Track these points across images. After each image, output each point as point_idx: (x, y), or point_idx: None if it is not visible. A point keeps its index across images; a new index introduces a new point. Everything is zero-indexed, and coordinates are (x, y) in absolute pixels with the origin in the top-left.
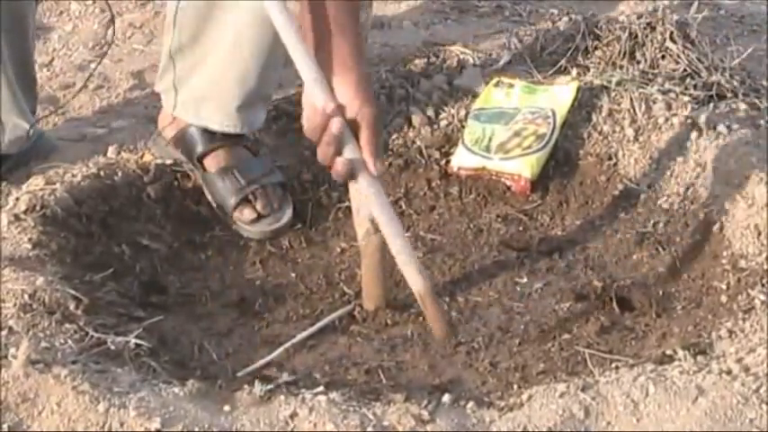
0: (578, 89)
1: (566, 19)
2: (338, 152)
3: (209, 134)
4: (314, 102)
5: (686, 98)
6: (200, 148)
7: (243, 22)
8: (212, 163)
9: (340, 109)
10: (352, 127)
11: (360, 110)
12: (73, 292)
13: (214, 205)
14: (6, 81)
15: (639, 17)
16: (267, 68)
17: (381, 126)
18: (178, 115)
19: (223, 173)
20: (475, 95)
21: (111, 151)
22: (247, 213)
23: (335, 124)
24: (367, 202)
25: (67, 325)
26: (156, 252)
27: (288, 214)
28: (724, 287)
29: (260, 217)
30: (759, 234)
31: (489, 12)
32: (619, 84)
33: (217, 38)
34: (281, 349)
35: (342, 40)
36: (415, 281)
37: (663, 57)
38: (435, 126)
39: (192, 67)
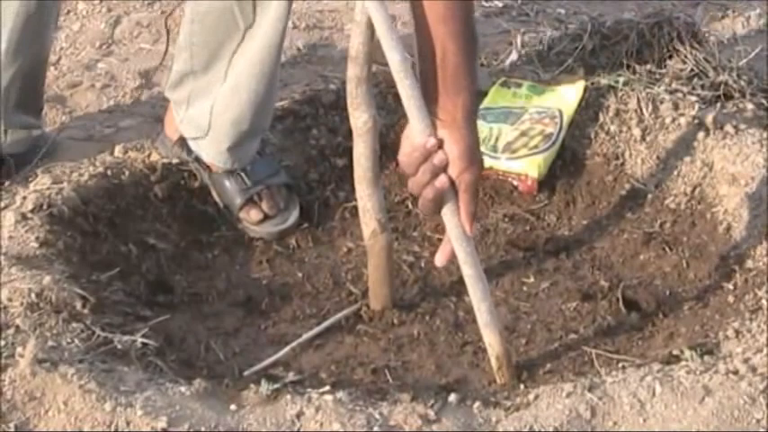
0: (585, 89)
1: (573, 19)
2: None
3: None
4: (414, 137)
5: (693, 98)
6: None
7: (244, 71)
8: None
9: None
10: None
11: (463, 173)
12: (80, 291)
13: (221, 205)
14: (14, 82)
15: (647, 17)
16: (261, 112)
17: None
18: (182, 130)
19: (229, 173)
20: (482, 95)
21: (118, 150)
22: (254, 214)
23: (439, 156)
24: (459, 259)
25: (74, 324)
26: (162, 251)
27: (294, 215)
28: (731, 287)
29: (266, 218)
30: (766, 234)
31: (496, 11)
32: (626, 84)
33: (220, 77)
34: (287, 348)
35: (458, 95)
36: (494, 344)
37: (670, 56)
38: None
39: (198, 92)
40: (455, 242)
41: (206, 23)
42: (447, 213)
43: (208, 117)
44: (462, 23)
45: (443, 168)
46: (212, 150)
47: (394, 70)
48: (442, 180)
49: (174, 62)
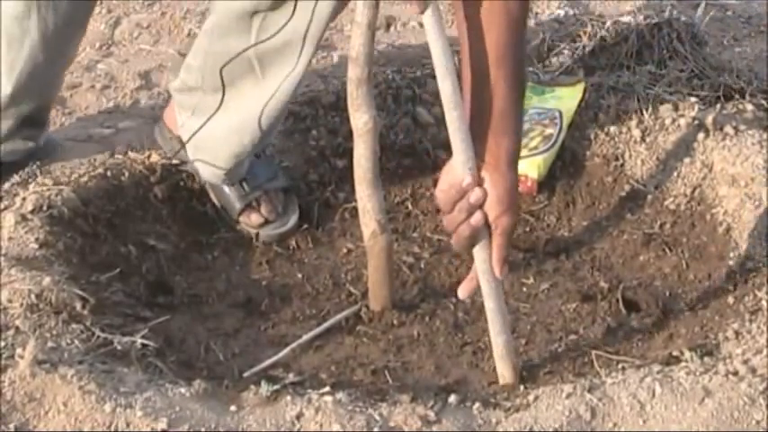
0: (585, 90)
1: (573, 20)
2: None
3: None
4: (455, 172)
5: (693, 99)
6: None
7: (253, 112)
8: None
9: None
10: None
11: (500, 217)
12: (79, 292)
13: (220, 207)
14: (16, 119)
15: (647, 18)
16: (261, 143)
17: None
18: (181, 135)
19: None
20: None
21: (117, 151)
22: (254, 218)
23: (475, 194)
24: (483, 292)
25: (74, 325)
26: (162, 252)
27: (293, 219)
28: (731, 288)
29: (266, 222)
30: (766, 235)
31: None
32: (626, 85)
33: (227, 106)
34: (287, 349)
35: (503, 137)
36: (507, 377)
37: (670, 57)
38: (442, 126)
39: (204, 108)
40: (481, 276)
41: (219, 61)
42: (478, 249)
43: (208, 143)
44: (517, 67)
45: (479, 206)
46: (208, 171)
47: (444, 99)
48: (477, 218)
49: (183, 70)
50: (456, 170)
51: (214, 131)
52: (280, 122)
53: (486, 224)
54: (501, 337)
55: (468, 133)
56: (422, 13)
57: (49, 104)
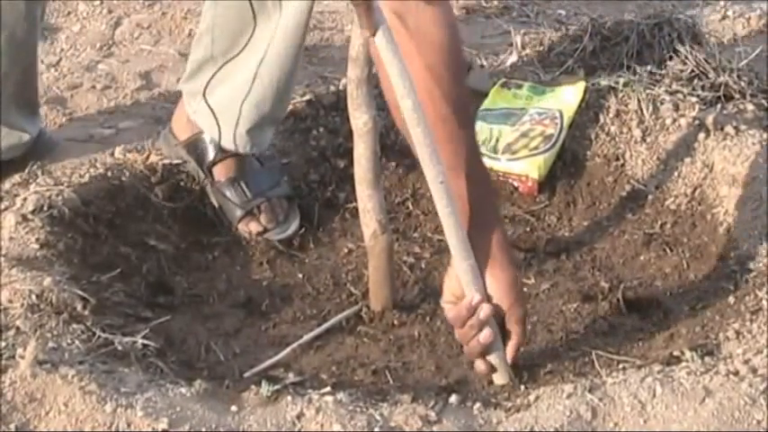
0: (586, 90)
1: (573, 20)
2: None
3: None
4: (464, 288)
5: (694, 99)
6: (210, 156)
7: (268, 55)
8: (221, 172)
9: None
10: (498, 322)
11: (511, 309)
12: (80, 292)
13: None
14: (5, 92)
15: (647, 18)
16: (282, 97)
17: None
18: (195, 121)
19: (230, 184)
20: (482, 96)
21: (118, 152)
22: (253, 226)
23: (484, 311)
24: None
25: (75, 325)
26: (163, 252)
27: (293, 227)
28: (731, 288)
29: (265, 231)
30: (766, 235)
31: (496, 12)
32: (626, 84)
33: (243, 61)
34: (288, 350)
35: (487, 230)
36: (503, 380)
37: (671, 57)
38: None
39: (218, 79)
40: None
41: (230, 6)
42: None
43: (228, 103)
44: (474, 162)
45: (490, 319)
46: (230, 134)
47: (407, 116)
48: (485, 335)
49: (191, 53)
50: (461, 274)
51: (234, 85)
52: (296, 66)
53: (497, 317)
54: (495, 353)
55: (434, 147)
56: (373, 35)
57: (34, 73)
